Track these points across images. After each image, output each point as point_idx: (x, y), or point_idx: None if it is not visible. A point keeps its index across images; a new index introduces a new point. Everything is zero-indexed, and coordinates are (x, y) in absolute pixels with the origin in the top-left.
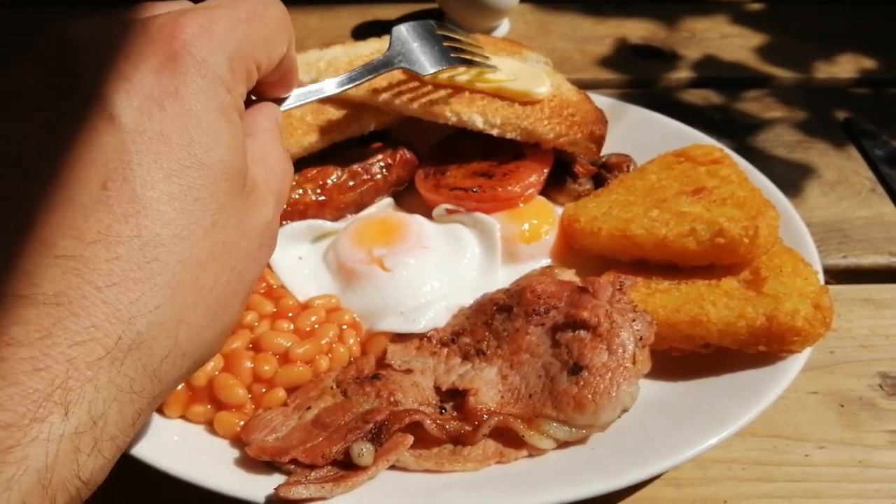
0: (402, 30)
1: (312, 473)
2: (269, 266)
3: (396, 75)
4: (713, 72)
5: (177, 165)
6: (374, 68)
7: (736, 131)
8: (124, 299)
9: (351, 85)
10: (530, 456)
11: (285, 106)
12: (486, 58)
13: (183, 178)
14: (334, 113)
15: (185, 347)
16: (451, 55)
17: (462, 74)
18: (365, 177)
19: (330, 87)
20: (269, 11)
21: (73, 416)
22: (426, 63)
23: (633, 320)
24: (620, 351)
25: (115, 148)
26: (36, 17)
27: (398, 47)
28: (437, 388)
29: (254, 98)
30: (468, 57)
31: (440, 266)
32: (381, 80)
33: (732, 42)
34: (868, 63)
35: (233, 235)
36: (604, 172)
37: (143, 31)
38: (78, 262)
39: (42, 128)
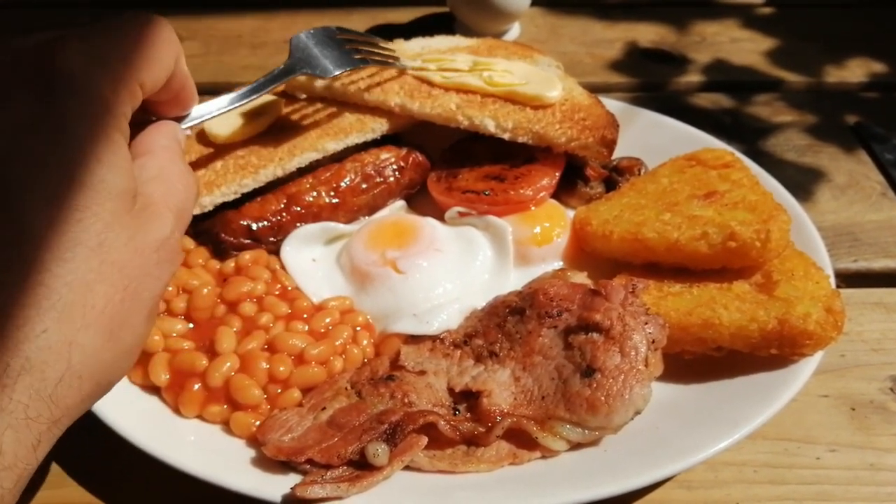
0: (302, 37)
1: (328, 473)
2: (283, 268)
3: (408, 80)
4: (723, 76)
5: (56, 188)
6: (274, 78)
7: (746, 135)
8: (10, 325)
9: (254, 96)
10: (543, 457)
11: (187, 122)
12: (396, 59)
13: (63, 201)
14: (348, 117)
15: (81, 370)
16: (355, 56)
17: (473, 78)
18: (378, 179)
19: (230, 100)
20: (149, 30)
21: None
22: (329, 66)
23: (646, 323)
24: (633, 353)
25: None
26: (30, 19)
27: (298, 55)
28: (451, 390)
29: (153, 118)
30: (374, 57)
31: (452, 268)
32: (394, 85)
33: (742, 46)
34: (878, 67)
35: (124, 253)
36: (615, 176)
37: (14, 59)
38: None
39: None
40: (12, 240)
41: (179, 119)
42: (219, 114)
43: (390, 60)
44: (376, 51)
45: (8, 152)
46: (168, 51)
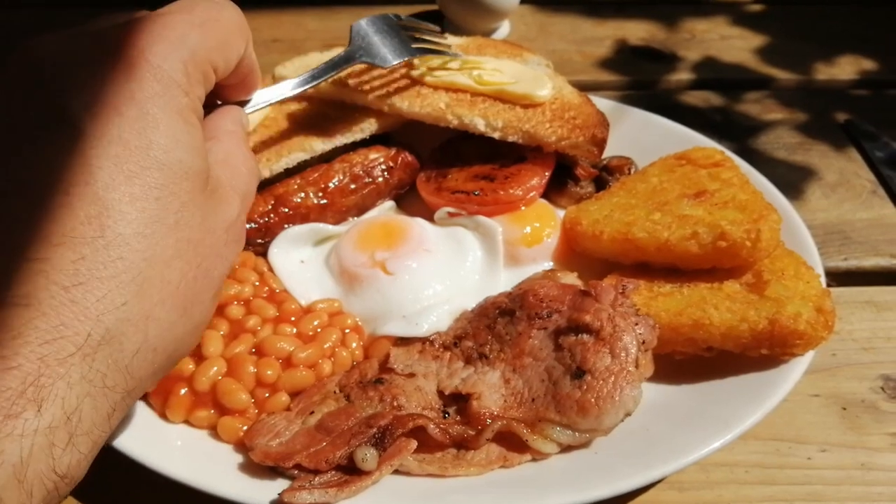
0: (363, 24)
1: (316, 478)
2: (270, 270)
3: (398, 78)
4: (713, 73)
5: (136, 167)
6: (335, 64)
7: (736, 133)
8: (91, 297)
9: (314, 83)
10: (534, 460)
11: (250, 108)
12: (449, 47)
13: (143, 179)
14: (336, 116)
15: (156, 343)
16: (413, 46)
17: (462, 76)
18: (367, 180)
19: (292, 86)
20: (223, 15)
21: (46, 412)
22: (388, 55)
23: (636, 324)
24: (623, 355)
25: (75, 153)
26: (38, 18)
27: (359, 42)
28: (440, 392)
29: (218, 102)
30: (431, 47)
31: (442, 269)
32: (383, 84)
33: (732, 43)
34: (868, 64)
35: (197, 232)
36: (605, 175)
37: (98, 42)
38: (45, 263)
39: (5, 138)
40: (94, 214)
41: (243, 104)
42: (280, 99)
43: (445, 49)
44: (433, 39)
45: (93, 131)
46: (240, 36)
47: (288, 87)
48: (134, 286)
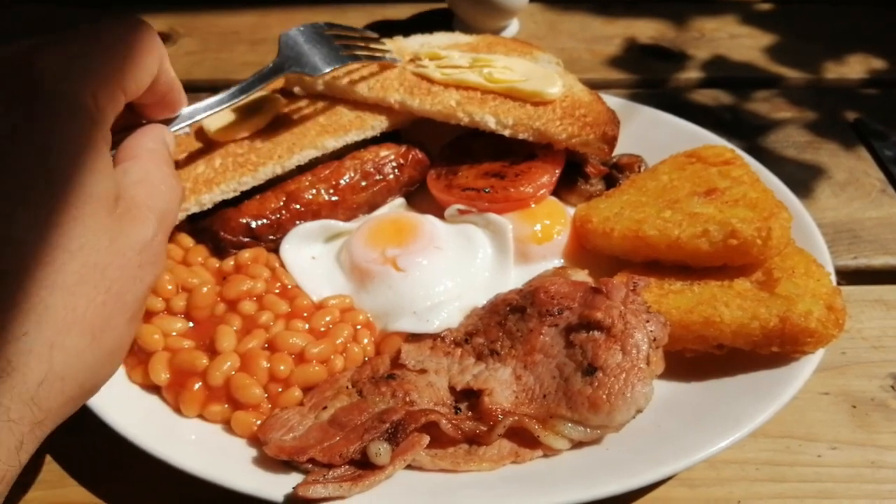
0: (291, 34)
1: (330, 472)
2: (282, 266)
3: (408, 76)
4: (723, 72)
5: (37, 194)
6: (262, 77)
7: (746, 131)
8: None
9: (243, 96)
10: (545, 456)
11: (176, 125)
12: (387, 52)
13: (44, 206)
14: (347, 114)
15: (64, 371)
16: (344, 53)
17: (473, 74)
18: (377, 177)
19: (219, 100)
20: (131, 35)
21: None
22: (318, 63)
23: (647, 321)
24: (634, 352)
25: None
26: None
27: (287, 52)
28: (452, 388)
29: (143, 122)
30: (363, 53)
31: (453, 266)
32: (394, 82)
33: (742, 42)
34: (877, 63)
35: (105, 256)
36: (615, 173)
37: None
38: None
39: None
40: None
41: (169, 121)
42: (208, 115)
43: (381, 55)
44: (368, 46)
45: None
46: (150, 54)
47: (214, 102)
48: (34, 315)
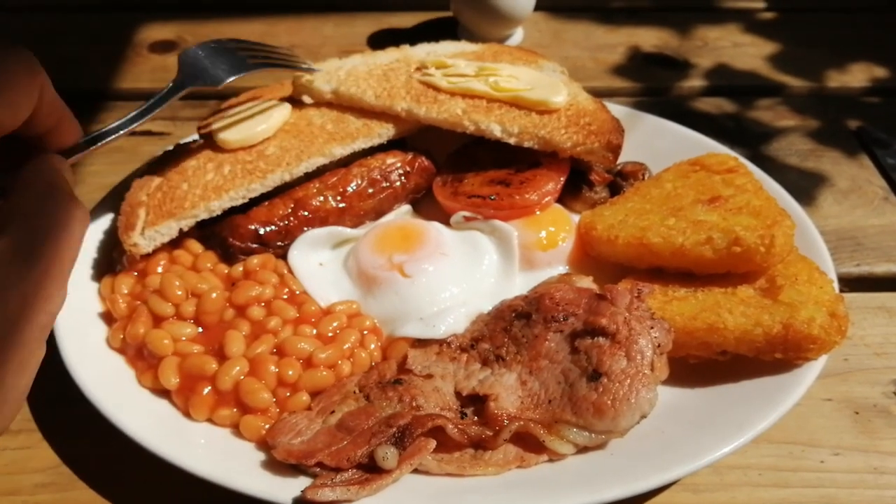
0: (190, 52)
1: (338, 476)
2: (290, 272)
3: (414, 85)
4: (726, 80)
5: None
6: (161, 98)
7: (749, 140)
8: None
9: (143, 120)
10: (550, 461)
11: (75, 154)
12: (296, 60)
13: None
14: (354, 122)
15: None
16: (250, 61)
17: (478, 83)
18: (384, 184)
19: (120, 126)
20: (2, 63)
21: None
22: (221, 74)
23: (651, 327)
24: (639, 358)
25: None
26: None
27: (187, 70)
28: (458, 394)
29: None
30: (271, 61)
31: (459, 273)
32: (400, 90)
33: (745, 51)
34: (880, 72)
35: None
36: (619, 181)
37: None
38: None
39: None
40: None
41: (69, 151)
42: (111, 140)
43: (290, 63)
44: (280, 56)
45: None
46: (27, 83)
47: (118, 128)
48: None
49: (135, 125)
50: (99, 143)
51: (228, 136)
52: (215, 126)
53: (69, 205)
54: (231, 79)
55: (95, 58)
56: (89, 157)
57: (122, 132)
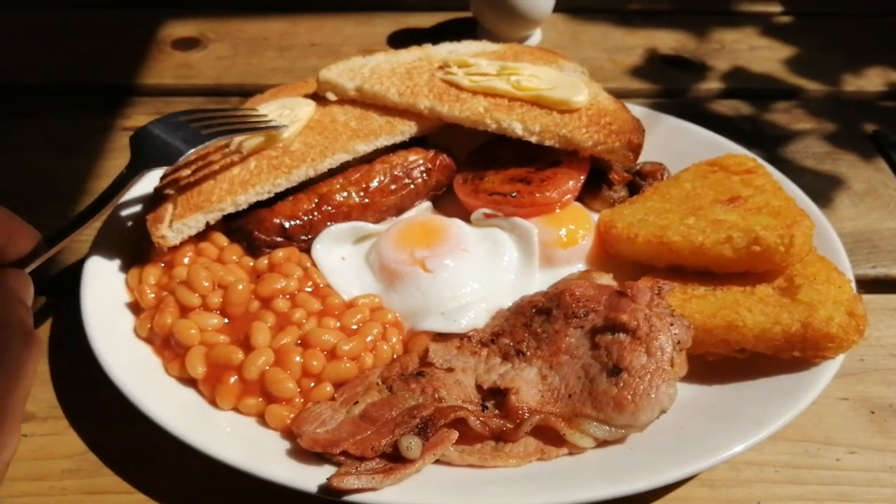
0: (140, 132)
1: (362, 465)
2: (314, 265)
3: (437, 83)
4: (742, 83)
5: None
6: (119, 184)
7: (765, 142)
8: None
9: (103, 209)
10: (570, 454)
11: (33, 261)
12: (254, 119)
13: None
14: (377, 119)
15: None
16: (204, 132)
17: (500, 82)
18: (406, 181)
19: (77, 223)
20: None
21: None
22: (175, 151)
23: (672, 324)
24: (659, 354)
25: None
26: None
27: (141, 151)
28: (479, 387)
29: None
30: (227, 129)
31: (479, 268)
32: (423, 88)
33: (761, 54)
34: None
35: None
36: (638, 180)
37: None
38: None
39: None
40: None
41: (26, 260)
42: (72, 237)
43: (251, 126)
44: (234, 119)
45: None
46: None
47: (74, 225)
48: None
49: (93, 217)
50: (58, 244)
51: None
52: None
53: (23, 341)
54: (188, 153)
55: (119, 54)
56: (114, 152)
57: (80, 227)
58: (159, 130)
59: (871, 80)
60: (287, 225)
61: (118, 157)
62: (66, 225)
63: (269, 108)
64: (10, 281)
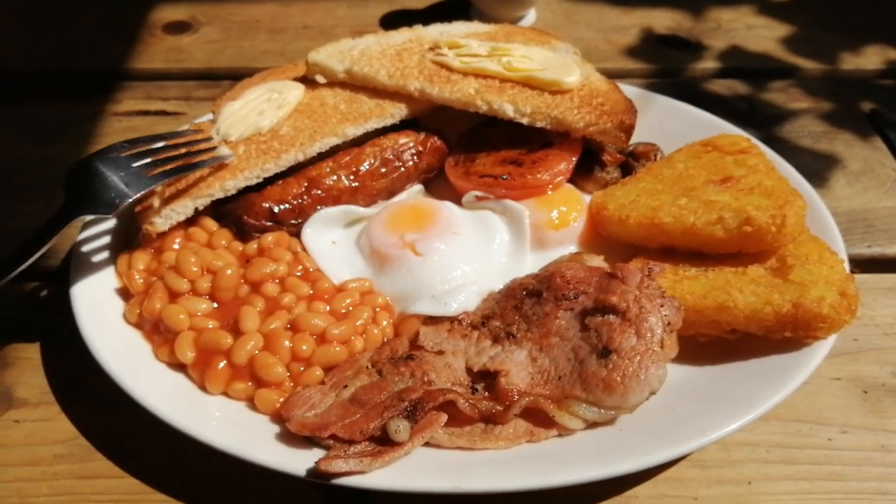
0: (77, 171)
1: (351, 448)
2: (304, 250)
3: (427, 65)
4: (739, 62)
5: None
6: (50, 229)
7: (762, 121)
8: None
9: (32, 259)
10: (560, 435)
11: None
12: (209, 148)
13: None
14: (367, 102)
15: None
16: (146, 174)
17: (491, 63)
18: (397, 164)
19: (10, 266)
20: None
21: None
22: (112, 197)
23: (662, 306)
24: (649, 335)
25: None
26: None
27: (75, 194)
28: (469, 370)
29: None
30: (172, 165)
31: (470, 251)
32: (413, 70)
33: (758, 33)
34: (894, 54)
35: None
36: (631, 161)
37: None
38: None
39: None
40: None
41: None
42: (14, 274)
43: (207, 157)
44: (189, 149)
45: None
46: None
47: (10, 265)
48: None
49: (21, 265)
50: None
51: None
52: (223, 127)
53: None
54: (125, 202)
55: (109, 38)
56: (104, 138)
57: (20, 268)
58: (98, 169)
59: (869, 59)
60: (276, 209)
61: (109, 143)
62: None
63: (257, 93)
64: None
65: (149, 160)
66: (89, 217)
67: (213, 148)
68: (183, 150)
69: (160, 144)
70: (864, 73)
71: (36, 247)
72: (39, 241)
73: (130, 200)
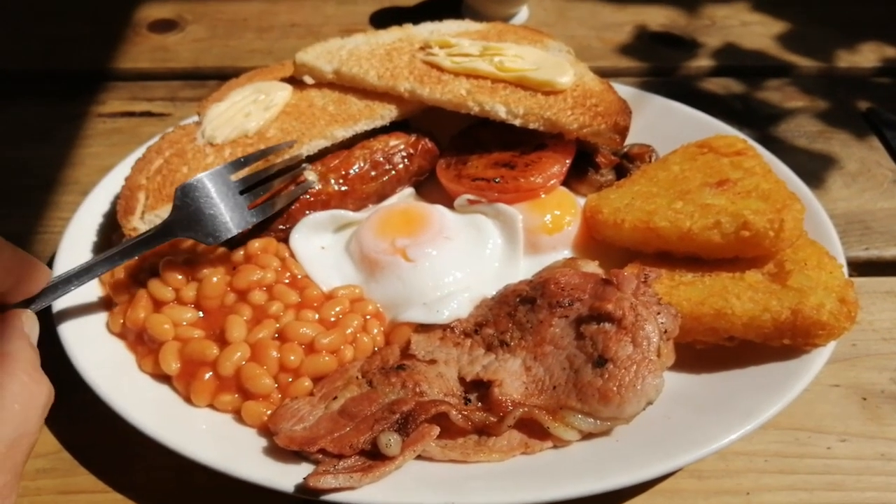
0: (187, 187)
1: (340, 463)
2: (292, 256)
3: (417, 65)
4: (734, 60)
5: None
6: (148, 241)
7: (757, 121)
8: None
9: (122, 261)
10: (555, 447)
11: (41, 302)
12: (298, 174)
13: None
14: (356, 103)
15: None
16: (249, 209)
17: (483, 63)
18: (387, 167)
19: (93, 269)
20: None
21: None
22: (218, 227)
23: (658, 313)
24: (645, 344)
25: None
26: None
27: (183, 210)
28: (462, 379)
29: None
30: (274, 205)
31: (462, 257)
32: (403, 70)
33: (753, 30)
34: (891, 52)
35: None
36: (626, 163)
37: None
38: None
39: None
40: None
41: (32, 301)
42: (80, 284)
43: (299, 189)
44: (285, 182)
45: None
46: None
47: (95, 270)
48: None
49: (103, 271)
50: (72, 287)
51: (220, 136)
52: (209, 130)
53: (31, 380)
54: (225, 237)
55: (93, 37)
56: (88, 140)
57: (93, 276)
58: (206, 192)
59: (865, 56)
60: None
61: (92, 145)
62: (78, 269)
63: (243, 94)
64: (19, 322)
65: (252, 192)
66: (191, 237)
67: (302, 171)
68: (278, 180)
69: (262, 175)
70: (860, 71)
71: (130, 254)
72: (133, 251)
73: (228, 236)
